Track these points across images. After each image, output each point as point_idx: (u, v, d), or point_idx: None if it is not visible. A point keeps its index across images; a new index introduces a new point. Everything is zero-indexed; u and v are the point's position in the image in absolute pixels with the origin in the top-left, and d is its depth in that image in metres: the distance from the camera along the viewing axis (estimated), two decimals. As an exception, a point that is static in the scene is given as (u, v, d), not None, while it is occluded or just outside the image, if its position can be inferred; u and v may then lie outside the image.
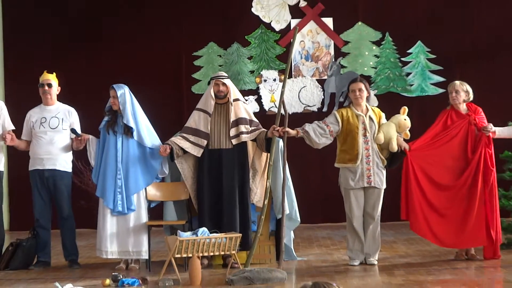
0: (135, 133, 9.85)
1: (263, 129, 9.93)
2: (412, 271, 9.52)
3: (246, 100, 13.15)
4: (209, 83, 10.40)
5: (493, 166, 9.92)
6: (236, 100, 9.98)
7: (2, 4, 14.61)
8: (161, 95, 12.43)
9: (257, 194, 9.93)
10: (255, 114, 11.07)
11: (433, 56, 14.30)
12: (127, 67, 13.31)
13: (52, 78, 10.35)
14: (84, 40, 14.31)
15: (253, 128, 9.93)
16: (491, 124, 9.87)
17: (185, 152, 9.84)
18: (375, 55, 14.42)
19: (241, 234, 9.38)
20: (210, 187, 9.81)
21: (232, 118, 9.82)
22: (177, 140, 9.82)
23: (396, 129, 9.85)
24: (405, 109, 10.07)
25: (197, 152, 9.83)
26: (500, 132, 10.04)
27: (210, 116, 9.86)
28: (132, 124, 9.83)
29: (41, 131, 10.17)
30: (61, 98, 10.47)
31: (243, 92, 13.72)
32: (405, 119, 9.95)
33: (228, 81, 10.06)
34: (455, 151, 9.95)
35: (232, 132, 9.80)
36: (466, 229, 9.85)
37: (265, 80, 14.35)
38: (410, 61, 14.37)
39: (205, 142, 9.82)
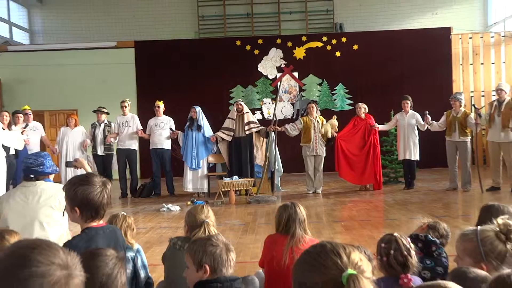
0: (202, 130, 9.85)
1: (263, 127, 10.06)
2: (339, 196, 9.53)
3: (255, 113, 13.22)
4: (233, 104, 10.80)
5: (377, 144, 9.94)
6: (247, 112, 10.05)
7: (135, 52, 14.40)
8: (214, 111, 12.13)
9: (258, 158, 9.93)
10: (259, 120, 11.52)
11: (347, 90, 14.04)
12: (199, 95, 12.97)
13: (160, 104, 10.30)
14: (180, 80, 13.99)
15: (256, 126, 10.00)
16: (376, 124, 9.87)
17: (223, 139, 9.88)
18: (318, 90, 14.09)
19: (254, 179, 9.53)
20: (234, 156, 9.82)
21: (245, 121, 9.87)
22: (219, 133, 9.92)
23: (330, 126, 9.84)
24: (334, 117, 10.25)
25: (229, 138, 9.87)
26: (381, 127, 10.03)
27: (234, 120, 9.91)
28: (201, 124, 9.85)
29: (155, 129, 10.16)
30: (166, 112, 10.35)
31: (254, 109, 13.67)
32: (334, 121, 10.00)
33: (243, 103, 10.23)
34: (359, 137, 9.89)
35: (246, 128, 9.83)
36: (365, 175, 9.84)
37: (265, 103, 14.12)
38: (336, 93, 14.03)
39: (232, 133, 9.85)
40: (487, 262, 2.04)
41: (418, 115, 9.61)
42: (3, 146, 8.22)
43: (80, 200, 2.39)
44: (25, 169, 3.51)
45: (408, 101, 9.70)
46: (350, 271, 1.14)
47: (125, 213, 3.55)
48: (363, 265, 1.19)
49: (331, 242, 1.24)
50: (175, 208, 8.28)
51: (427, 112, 9.45)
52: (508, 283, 1.27)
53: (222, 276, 2.25)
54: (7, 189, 7.83)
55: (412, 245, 2.45)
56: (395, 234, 2.44)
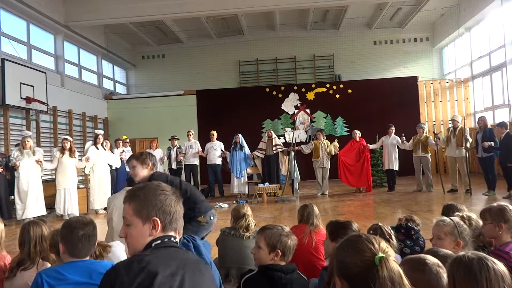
0: (243, 150, 9.68)
1: (285, 148, 9.80)
2: (340, 196, 9.23)
3: (280, 138, 12.86)
4: (265, 132, 10.54)
5: (369, 158, 9.63)
6: (274, 137, 9.79)
7: (196, 97, 14.38)
8: (251, 137, 11.84)
9: (282, 170, 9.66)
10: (283, 143, 11.11)
11: (345, 121, 13.84)
12: (241, 126, 12.63)
13: (214, 132, 10.19)
14: (227, 116, 13.82)
15: (281, 147, 9.73)
16: (368, 144, 9.64)
17: (258, 156, 9.68)
18: (324, 122, 13.94)
19: (280, 184, 9.32)
20: (266, 168, 9.59)
21: (273, 144, 9.64)
22: (255, 152, 9.70)
23: (333, 147, 9.63)
24: (336, 140, 9.99)
25: (262, 156, 9.66)
26: (371, 147, 9.74)
27: (266, 143, 9.71)
28: (243, 146, 9.68)
29: (211, 150, 10.03)
30: (218, 138, 10.20)
31: (279, 135, 13.45)
32: (336, 144, 9.75)
33: (271, 131, 9.98)
34: (355, 153, 9.61)
35: (274, 148, 9.59)
36: (360, 180, 9.56)
37: (286, 131, 13.97)
38: (336, 123, 13.85)
39: (264, 152, 9.65)
40: (461, 238, 2.12)
41: (397, 137, 9.51)
42: (107, 163, 8.49)
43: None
44: (130, 177, 3.61)
45: (392, 128, 9.65)
46: (381, 254, 1.11)
47: None
48: (390, 251, 1.15)
49: (364, 233, 1.21)
50: (224, 205, 8.26)
51: (403, 134, 9.51)
52: (463, 260, 1.27)
53: (285, 266, 2.04)
54: (111, 193, 8.03)
55: (392, 232, 2.40)
56: (379, 224, 2.41)
